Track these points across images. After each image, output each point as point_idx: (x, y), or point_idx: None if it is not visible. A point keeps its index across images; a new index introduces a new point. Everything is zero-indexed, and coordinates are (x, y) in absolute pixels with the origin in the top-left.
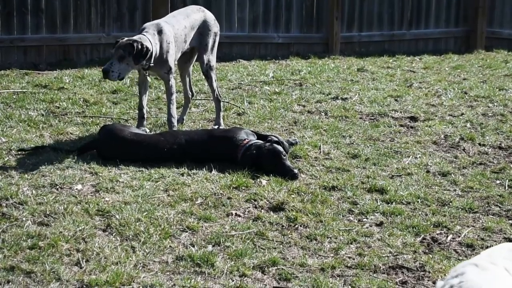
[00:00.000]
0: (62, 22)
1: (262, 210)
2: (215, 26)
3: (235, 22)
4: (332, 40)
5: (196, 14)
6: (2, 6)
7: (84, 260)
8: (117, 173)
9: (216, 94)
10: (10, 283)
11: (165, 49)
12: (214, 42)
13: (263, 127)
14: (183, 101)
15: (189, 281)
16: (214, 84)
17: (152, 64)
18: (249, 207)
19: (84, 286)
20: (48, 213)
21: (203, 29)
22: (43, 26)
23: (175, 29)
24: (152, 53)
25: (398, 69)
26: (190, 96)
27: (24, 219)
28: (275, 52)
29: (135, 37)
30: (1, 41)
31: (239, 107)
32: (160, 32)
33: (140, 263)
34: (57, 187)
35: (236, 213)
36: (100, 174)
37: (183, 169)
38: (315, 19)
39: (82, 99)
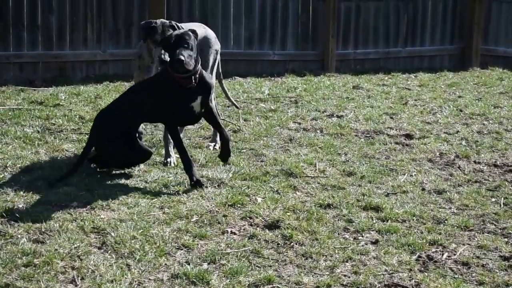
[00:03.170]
0: (58, 39)
1: (258, 228)
2: (216, 44)
3: (230, 39)
4: (328, 57)
5: (198, 31)
6: None
7: (79, 278)
8: (112, 190)
9: (214, 113)
10: None
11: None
12: (215, 60)
13: (258, 144)
14: None
15: None
16: (213, 102)
17: (155, 60)
18: (245, 225)
19: None
20: (43, 230)
21: (204, 46)
22: (39, 42)
23: None
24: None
25: (394, 87)
26: None
27: (19, 236)
28: (271, 69)
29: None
30: None
31: (235, 124)
32: None
33: (135, 281)
34: (52, 204)
35: (231, 231)
36: (95, 192)
37: (178, 186)
38: (311, 37)
39: (78, 116)
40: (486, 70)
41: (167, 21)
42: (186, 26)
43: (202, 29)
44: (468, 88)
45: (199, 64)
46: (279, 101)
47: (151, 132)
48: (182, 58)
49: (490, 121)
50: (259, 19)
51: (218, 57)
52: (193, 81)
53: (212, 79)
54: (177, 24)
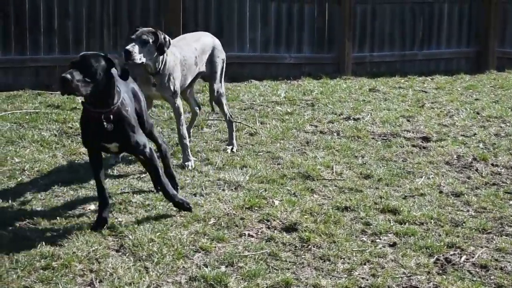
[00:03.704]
0: (74, 43)
1: (275, 231)
2: (223, 53)
3: (246, 42)
4: (344, 60)
5: (206, 38)
6: (14, 26)
7: (97, 281)
8: (129, 193)
9: (228, 117)
10: None
11: (170, 71)
12: (222, 69)
13: (275, 147)
14: (190, 116)
15: None
16: (226, 108)
17: (160, 72)
18: (262, 228)
19: None
20: (61, 233)
21: (213, 56)
22: (55, 46)
23: (184, 52)
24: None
25: (410, 89)
26: (197, 111)
27: (37, 239)
28: (287, 72)
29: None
30: (13, 61)
31: (251, 127)
32: (170, 52)
33: (153, 284)
34: (70, 207)
35: (249, 234)
36: (113, 195)
37: (195, 189)
38: (327, 40)
39: None
40: (503, 73)
41: (152, 29)
42: (192, 35)
43: (210, 38)
44: (485, 91)
45: (116, 101)
46: (296, 104)
47: (167, 135)
48: (68, 77)
49: (507, 124)
50: (275, 22)
51: (225, 66)
52: (103, 119)
53: (223, 88)
54: (164, 36)
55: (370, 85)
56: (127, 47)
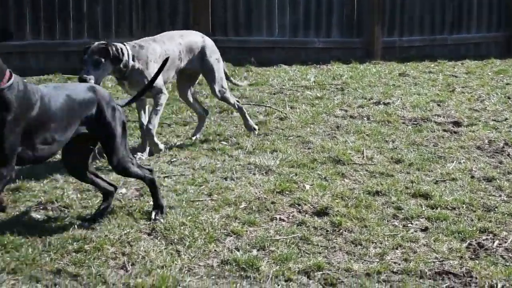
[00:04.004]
0: (103, 28)
1: (306, 215)
2: (216, 52)
3: (275, 27)
4: (373, 45)
5: (194, 37)
6: (44, 11)
7: (129, 264)
8: (160, 177)
9: (237, 106)
10: (57, 286)
11: (142, 69)
12: (220, 68)
13: (305, 131)
14: (198, 121)
15: (234, 285)
16: (232, 101)
17: (127, 75)
18: (293, 212)
19: None
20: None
21: (204, 55)
22: (85, 31)
23: (165, 46)
24: (128, 59)
25: (440, 74)
26: (204, 115)
27: (69, 222)
28: (316, 57)
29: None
30: (44, 45)
31: (281, 112)
32: (141, 47)
33: (185, 267)
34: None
35: (280, 218)
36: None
37: (226, 173)
38: (356, 24)
39: None
40: None
41: (102, 45)
42: (179, 31)
43: (199, 38)
44: None
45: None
46: (325, 89)
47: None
48: None
49: None
50: (304, 7)
51: (221, 63)
52: None
53: (225, 84)
54: (116, 48)
55: (400, 69)
56: (81, 75)
